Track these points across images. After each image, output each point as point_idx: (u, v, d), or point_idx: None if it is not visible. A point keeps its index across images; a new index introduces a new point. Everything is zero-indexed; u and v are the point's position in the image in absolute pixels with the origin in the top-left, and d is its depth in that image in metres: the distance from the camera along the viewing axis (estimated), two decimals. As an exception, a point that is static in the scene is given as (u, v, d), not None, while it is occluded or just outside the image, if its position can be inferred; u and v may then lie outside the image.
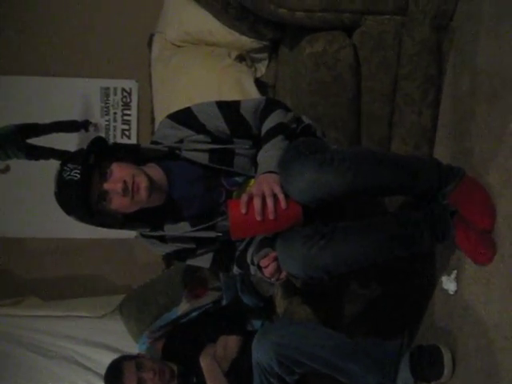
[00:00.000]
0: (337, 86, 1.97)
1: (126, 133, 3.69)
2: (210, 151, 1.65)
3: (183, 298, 2.55)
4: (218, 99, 1.75)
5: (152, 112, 3.12)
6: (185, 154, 1.66)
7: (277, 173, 1.47)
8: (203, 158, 1.65)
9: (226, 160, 1.66)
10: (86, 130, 3.54)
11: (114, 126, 3.68)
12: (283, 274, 1.53)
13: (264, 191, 1.41)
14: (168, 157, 1.67)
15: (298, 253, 1.45)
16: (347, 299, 2.05)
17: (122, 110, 3.67)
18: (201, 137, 1.67)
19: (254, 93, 2.58)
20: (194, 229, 1.68)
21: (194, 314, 2.44)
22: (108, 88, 3.64)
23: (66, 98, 3.58)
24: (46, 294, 3.41)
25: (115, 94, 3.65)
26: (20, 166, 3.33)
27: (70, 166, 1.48)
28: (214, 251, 1.77)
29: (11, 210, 3.60)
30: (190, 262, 1.80)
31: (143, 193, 1.54)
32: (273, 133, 1.60)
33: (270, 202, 1.39)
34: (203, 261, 1.78)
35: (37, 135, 3.27)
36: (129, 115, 3.68)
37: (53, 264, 3.63)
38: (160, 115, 2.86)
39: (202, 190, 1.68)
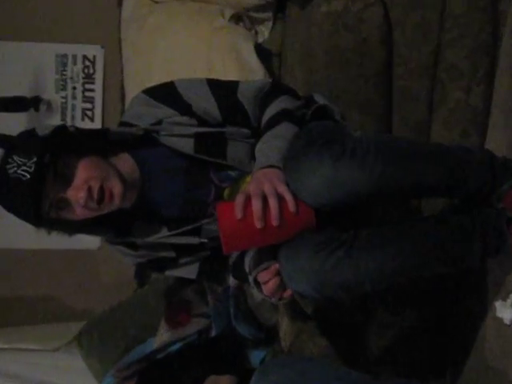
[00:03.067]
0: (361, 54, 1.98)
1: (89, 113, 3.68)
2: (196, 136, 1.65)
3: (161, 326, 2.55)
4: (207, 72, 1.75)
5: (122, 87, 3.13)
6: (164, 139, 1.66)
7: (280, 168, 1.46)
8: (187, 146, 1.65)
9: (217, 149, 1.66)
10: (36, 110, 3.54)
11: (73, 105, 3.67)
12: (288, 293, 1.52)
13: (265, 190, 1.39)
14: (143, 143, 1.67)
15: (309, 265, 1.43)
16: (372, 329, 2.05)
17: (84, 83, 3.66)
18: (184, 119, 1.67)
19: (254, 63, 2.58)
20: (172, 233, 1.68)
21: (175, 347, 2.44)
22: (65, 55, 3.63)
23: (11, 67, 3.57)
24: (-16, 321, 3.42)
25: (75, 63, 3.64)
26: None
27: (17, 158, 1.47)
28: (200, 260, 1.77)
29: None
30: (170, 272, 1.81)
31: (117, 201, 1.55)
32: (276, 120, 1.60)
33: (273, 204, 1.37)
34: (187, 271, 1.79)
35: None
36: (92, 91, 3.67)
37: (-8, 282, 3.64)
38: (132, 91, 2.86)
39: (185, 187, 1.69)
